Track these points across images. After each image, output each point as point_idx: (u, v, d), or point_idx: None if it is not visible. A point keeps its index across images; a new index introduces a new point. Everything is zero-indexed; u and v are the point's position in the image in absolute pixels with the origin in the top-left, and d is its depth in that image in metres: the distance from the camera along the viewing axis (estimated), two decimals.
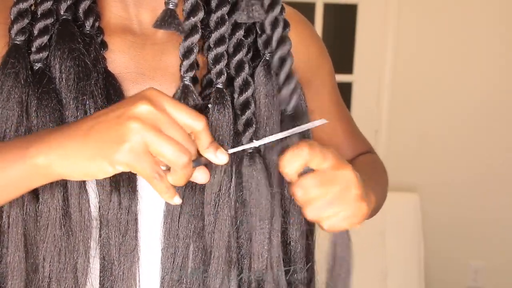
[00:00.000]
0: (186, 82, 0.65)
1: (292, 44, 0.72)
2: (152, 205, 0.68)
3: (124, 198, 0.65)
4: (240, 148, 0.63)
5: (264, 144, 0.66)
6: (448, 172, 2.57)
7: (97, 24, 0.68)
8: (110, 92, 0.65)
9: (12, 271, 0.64)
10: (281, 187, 0.70)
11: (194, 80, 0.67)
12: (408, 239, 2.34)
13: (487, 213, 2.57)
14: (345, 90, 2.58)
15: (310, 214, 0.62)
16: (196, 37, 0.64)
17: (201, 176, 0.60)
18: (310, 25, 0.82)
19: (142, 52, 0.70)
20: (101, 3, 0.70)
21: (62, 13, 0.66)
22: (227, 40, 0.68)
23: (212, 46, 0.67)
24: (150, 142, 0.54)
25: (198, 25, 0.64)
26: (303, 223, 0.74)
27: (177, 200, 0.57)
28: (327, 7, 2.56)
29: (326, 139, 0.84)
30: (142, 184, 0.66)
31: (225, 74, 0.67)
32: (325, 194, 0.61)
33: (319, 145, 0.61)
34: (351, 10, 2.56)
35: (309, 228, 0.75)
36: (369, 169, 0.85)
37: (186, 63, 0.64)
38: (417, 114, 2.56)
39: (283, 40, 0.67)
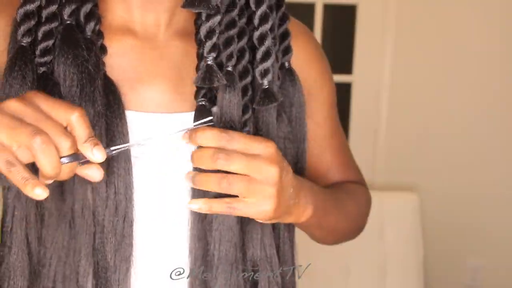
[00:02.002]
0: (209, 63, 0.65)
1: (296, 58, 0.75)
2: (148, 212, 0.68)
3: (120, 205, 0.65)
4: (123, 147, 0.60)
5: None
6: (447, 172, 2.58)
7: (97, 27, 0.67)
8: (110, 99, 0.65)
9: (14, 270, 0.64)
10: None
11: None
12: (407, 239, 2.34)
13: (486, 213, 2.58)
14: (344, 91, 2.59)
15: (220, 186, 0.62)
16: (217, 18, 0.65)
17: (91, 172, 0.57)
18: (316, 41, 0.83)
19: (141, 56, 0.70)
20: (103, 5, 0.70)
21: (66, 17, 0.66)
22: (237, 25, 0.69)
23: (223, 29, 0.68)
24: (3, 129, 0.51)
25: (220, 5, 0.65)
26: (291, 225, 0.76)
27: (38, 192, 0.51)
28: (327, 7, 2.57)
29: (313, 161, 0.84)
30: (139, 191, 0.67)
31: (235, 57, 0.68)
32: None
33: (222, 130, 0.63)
34: (351, 10, 2.56)
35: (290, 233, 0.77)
36: (342, 195, 0.83)
37: (209, 43, 0.65)
38: (416, 114, 2.57)
39: (265, 18, 0.68)
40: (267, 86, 0.68)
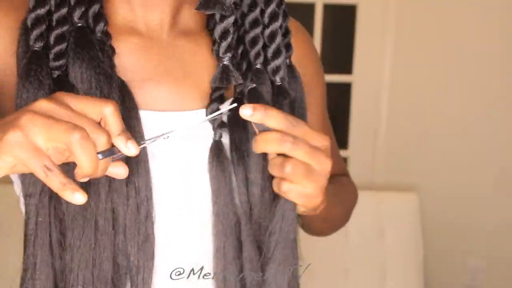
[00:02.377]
0: (225, 63, 0.66)
1: (295, 54, 0.75)
2: (166, 210, 0.68)
3: (142, 204, 0.65)
4: (155, 139, 0.59)
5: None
6: (447, 172, 2.58)
7: (105, 28, 0.67)
8: (125, 99, 0.65)
9: (40, 277, 0.63)
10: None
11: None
12: (407, 239, 2.34)
13: (485, 213, 2.58)
14: (344, 91, 2.59)
15: (286, 169, 0.61)
16: (232, 19, 0.65)
17: (118, 170, 0.57)
18: (311, 38, 0.84)
19: (147, 56, 0.70)
20: (107, 5, 0.70)
21: (76, 20, 0.65)
22: (261, 23, 0.70)
23: (248, 29, 0.69)
24: (39, 130, 0.50)
25: (233, 6, 0.65)
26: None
27: (78, 196, 0.50)
28: (327, 7, 2.57)
29: None
30: (157, 189, 0.67)
31: (263, 55, 0.69)
32: (307, 165, 0.62)
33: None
34: (351, 10, 2.57)
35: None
36: (339, 188, 0.86)
37: (224, 44, 0.66)
38: (416, 114, 2.57)
39: (275, 16, 0.69)
40: (280, 83, 0.69)
